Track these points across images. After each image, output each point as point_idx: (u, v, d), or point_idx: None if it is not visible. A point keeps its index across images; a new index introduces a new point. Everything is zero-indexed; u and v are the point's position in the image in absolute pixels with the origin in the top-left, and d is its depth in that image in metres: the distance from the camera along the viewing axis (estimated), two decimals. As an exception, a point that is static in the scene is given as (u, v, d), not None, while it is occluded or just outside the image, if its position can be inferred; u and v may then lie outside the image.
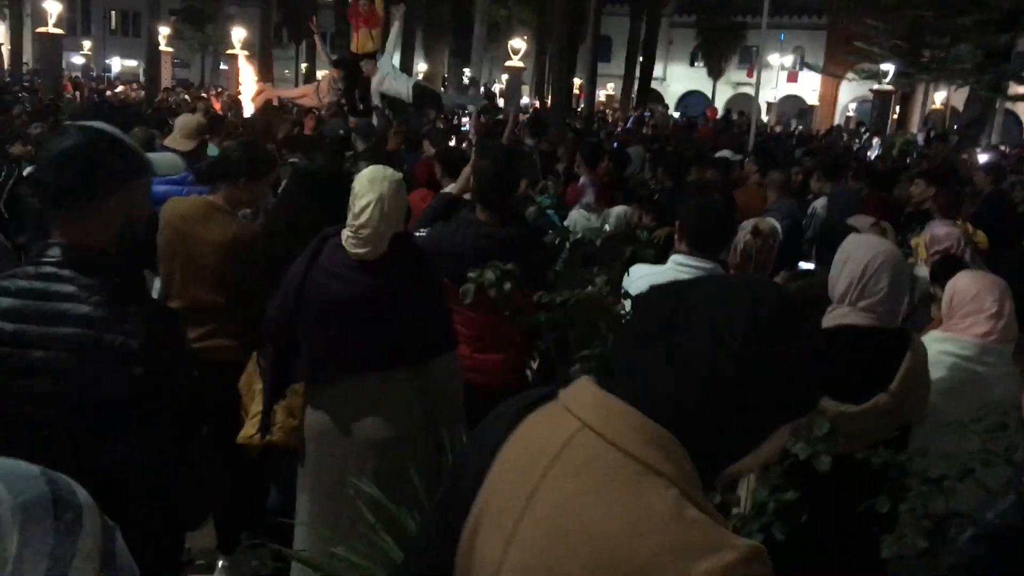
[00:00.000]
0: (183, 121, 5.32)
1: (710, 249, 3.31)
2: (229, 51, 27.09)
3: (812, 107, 47.74)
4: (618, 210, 5.02)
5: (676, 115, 35.87)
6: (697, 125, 23.94)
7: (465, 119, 18.42)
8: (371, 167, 3.18)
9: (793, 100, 48.31)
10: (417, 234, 3.79)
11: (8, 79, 23.12)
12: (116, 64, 53.45)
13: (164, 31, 29.06)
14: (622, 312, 2.41)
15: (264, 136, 8.51)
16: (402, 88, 11.84)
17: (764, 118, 35.57)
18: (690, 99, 50.48)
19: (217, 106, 17.62)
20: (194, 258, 3.60)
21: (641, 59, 34.76)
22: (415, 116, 12.35)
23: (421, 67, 27.32)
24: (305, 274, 3.12)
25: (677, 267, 3.24)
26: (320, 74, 24.52)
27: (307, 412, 3.21)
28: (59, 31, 20.96)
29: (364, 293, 3.03)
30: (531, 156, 7.80)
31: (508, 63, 21.96)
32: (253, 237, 3.62)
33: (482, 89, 29.58)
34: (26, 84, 21.68)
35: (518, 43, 22.07)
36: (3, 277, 1.97)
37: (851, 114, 44.32)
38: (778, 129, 30.41)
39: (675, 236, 3.41)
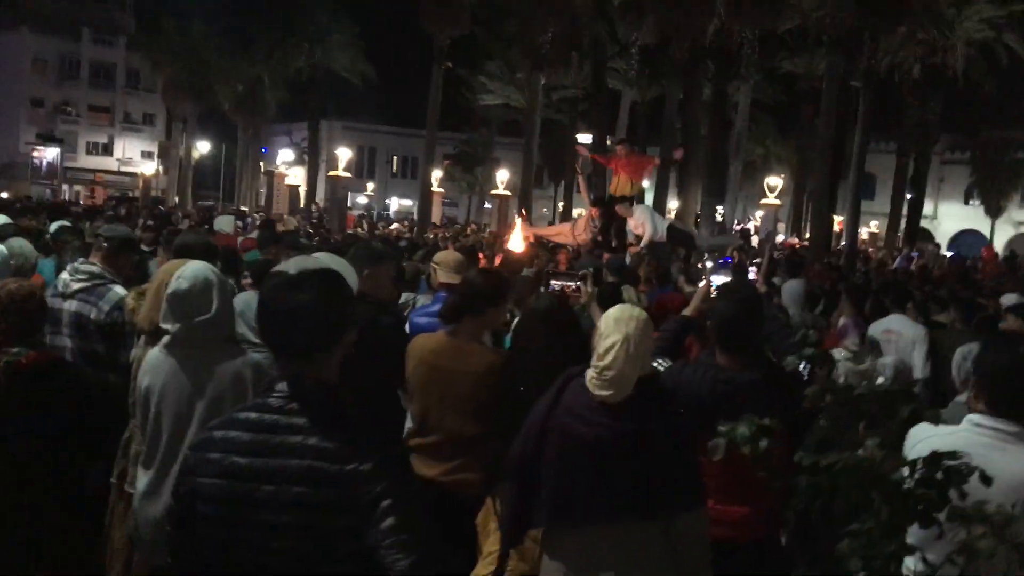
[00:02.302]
0: (450, 257, 5.46)
1: (1016, 409, 2.84)
2: (493, 191, 28.83)
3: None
4: (895, 360, 4.56)
5: (948, 255, 33.40)
6: (977, 266, 22.07)
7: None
8: (618, 306, 3.10)
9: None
10: (655, 364, 3.63)
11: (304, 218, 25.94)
12: (394, 203, 58.69)
13: (437, 174, 31.58)
14: (901, 480, 2.10)
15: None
16: (659, 228, 12.00)
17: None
18: (964, 238, 47.00)
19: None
20: (452, 390, 3.64)
21: (909, 196, 32.97)
22: (663, 250, 12.41)
23: (673, 204, 27.52)
24: (548, 413, 3.04)
25: (974, 429, 2.81)
26: (576, 212, 25.38)
27: (543, 560, 3.07)
28: (347, 174, 23.36)
29: (608, 437, 2.90)
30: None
31: (764, 200, 21.64)
32: (504, 365, 3.63)
33: (737, 228, 29.26)
34: (314, 220, 24.18)
35: (774, 180, 21.78)
36: (238, 410, 2.06)
37: None
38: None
39: (971, 394, 3.00)
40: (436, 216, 30.80)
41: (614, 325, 2.98)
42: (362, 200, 54.83)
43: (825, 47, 20.88)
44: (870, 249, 32.37)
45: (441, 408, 3.64)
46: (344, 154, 23.28)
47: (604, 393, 2.93)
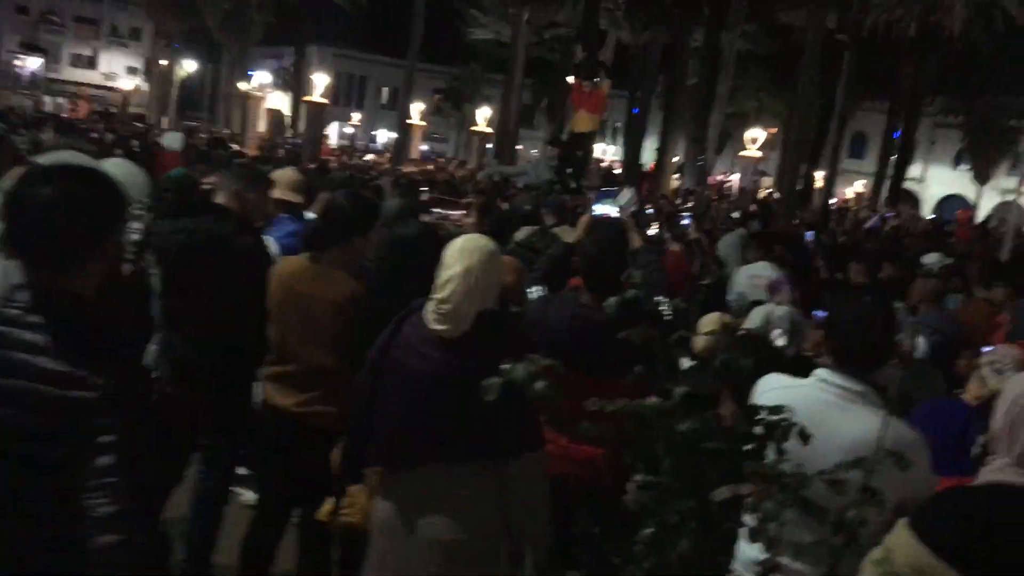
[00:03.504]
0: (286, 175, 5.27)
1: (862, 365, 2.69)
2: (473, 128, 28.42)
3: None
4: (779, 310, 4.38)
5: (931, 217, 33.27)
6: (946, 229, 21.94)
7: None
8: (467, 235, 2.93)
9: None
10: (529, 292, 3.48)
11: (270, 142, 25.47)
12: (382, 135, 57.90)
13: (419, 107, 31.04)
14: (694, 431, 1.95)
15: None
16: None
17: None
18: (950, 203, 46.84)
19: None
20: (311, 319, 3.47)
21: (895, 157, 32.68)
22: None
23: (649, 148, 27.10)
24: (387, 346, 2.90)
25: (818, 384, 2.67)
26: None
27: (375, 501, 2.95)
28: (323, 101, 22.86)
29: (439, 372, 2.76)
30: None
31: (743, 152, 21.40)
32: (364, 295, 3.46)
33: (719, 178, 29.02)
34: (288, 148, 23.76)
35: (755, 132, 21.47)
36: None
37: None
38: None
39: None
40: (415, 151, 30.35)
41: (457, 255, 2.81)
42: (348, 131, 54.15)
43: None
44: (851, 207, 32.21)
45: (299, 336, 3.47)
46: (321, 80, 22.74)
47: (440, 327, 2.78)
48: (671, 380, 2.17)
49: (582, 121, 11.48)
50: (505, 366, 1.99)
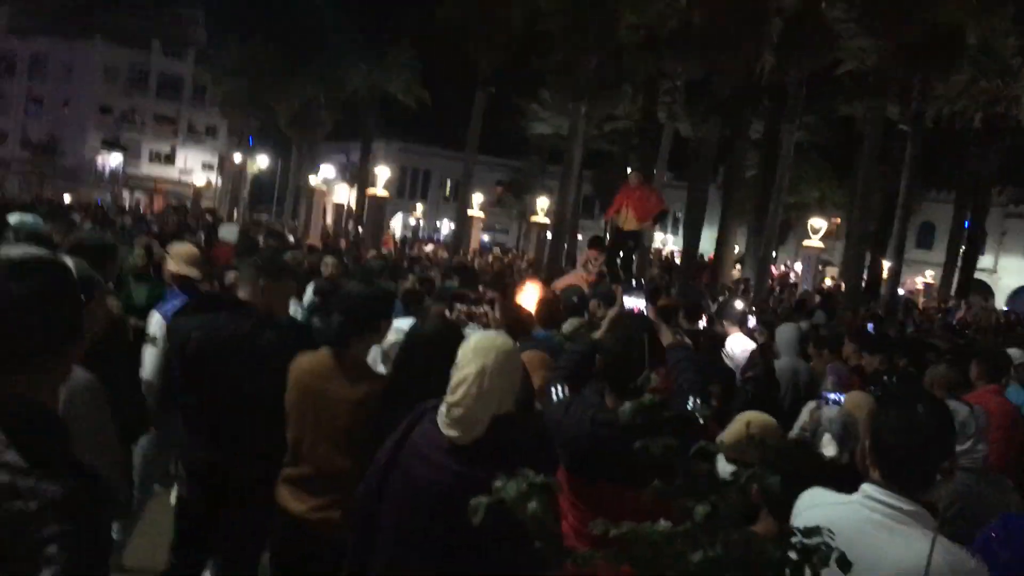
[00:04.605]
0: (183, 249, 5.22)
1: (912, 483, 2.39)
2: (532, 218, 28.57)
3: None
4: (828, 410, 4.03)
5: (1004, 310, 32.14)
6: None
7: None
8: (481, 333, 2.77)
9: None
10: (552, 390, 3.26)
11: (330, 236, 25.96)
12: (445, 226, 58.76)
13: (479, 198, 31.41)
14: (710, 560, 1.71)
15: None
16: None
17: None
18: (1024, 295, 45.42)
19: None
20: (327, 417, 3.30)
21: (964, 248, 31.86)
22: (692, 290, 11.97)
23: (708, 239, 26.78)
24: (395, 450, 2.72)
25: (865, 502, 2.39)
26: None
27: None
28: (384, 193, 23.29)
29: (449, 483, 2.55)
30: None
31: (806, 242, 21.03)
32: (383, 392, 3.30)
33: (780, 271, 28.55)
34: (351, 239, 24.12)
35: (818, 222, 21.12)
36: None
37: None
38: None
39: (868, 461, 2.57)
40: (475, 241, 30.59)
41: (471, 355, 2.64)
42: (412, 222, 55.07)
43: (869, 91, 20.27)
44: (920, 299, 31.32)
45: (314, 436, 3.31)
46: (383, 173, 23.20)
47: (452, 433, 2.60)
48: (693, 496, 1.94)
49: (629, 222, 11.26)
50: (497, 483, 1.80)
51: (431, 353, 3.11)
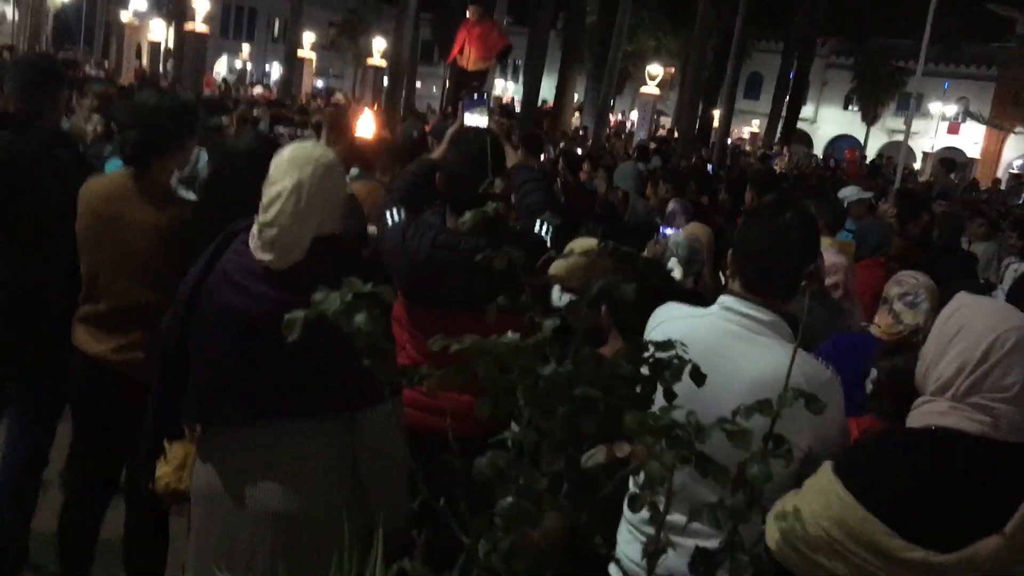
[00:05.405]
0: None
1: (771, 291, 2.26)
2: (368, 60, 27.29)
3: (972, 160, 44.40)
4: (675, 236, 3.96)
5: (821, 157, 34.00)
6: (842, 167, 22.33)
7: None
8: (297, 144, 2.42)
9: (952, 152, 45.27)
10: (387, 214, 2.96)
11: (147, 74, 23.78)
12: (275, 69, 55.43)
13: (309, 38, 29.59)
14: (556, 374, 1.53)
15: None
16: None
17: (917, 167, 33.26)
18: (840, 143, 48.06)
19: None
20: (125, 246, 2.91)
21: (788, 98, 33.10)
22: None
23: (548, 85, 26.53)
24: (200, 279, 2.37)
25: (723, 313, 2.22)
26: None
27: (195, 466, 2.45)
28: (204, 29, 21.39)
29: (264, 311, 2.23)
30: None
31: (643, 89, 21.14)
32: (191, 219, 2.91)
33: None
34: (170, 82, 22.18)
35: (655, 68, 21.18)
36: None
37: (1015, 170, 40.90)
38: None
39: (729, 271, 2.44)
40: (307, 85, 28.95)
41: (286, 167, 2.30)
42: (238, 64, 51.63)
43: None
44: (747, 147, 32.57)
45: (111, 268, 2.91)
46: (202, 6, 21.18)
47: (265, 256, 2.27)
48: (541, 313, 1.73)
49: (473, 63, 10.81)
50: (317, 295, 1.52)
51: (244, 171, 2.72)
